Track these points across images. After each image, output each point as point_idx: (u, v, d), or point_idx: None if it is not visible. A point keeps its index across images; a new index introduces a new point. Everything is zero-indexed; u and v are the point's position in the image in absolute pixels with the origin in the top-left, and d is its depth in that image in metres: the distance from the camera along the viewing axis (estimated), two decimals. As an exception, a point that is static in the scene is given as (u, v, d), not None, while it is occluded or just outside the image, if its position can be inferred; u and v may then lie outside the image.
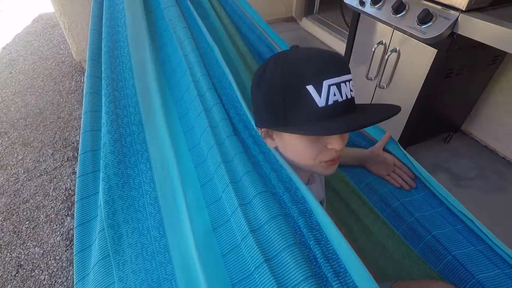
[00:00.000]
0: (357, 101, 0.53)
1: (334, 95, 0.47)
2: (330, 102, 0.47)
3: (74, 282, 0.55)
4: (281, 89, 0.50)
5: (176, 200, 0.55)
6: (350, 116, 0.49)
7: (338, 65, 0.49)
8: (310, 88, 0.47)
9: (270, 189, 0.51)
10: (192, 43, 0.75)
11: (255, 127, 0.60)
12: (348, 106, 0.50)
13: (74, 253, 0.56)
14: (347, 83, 0.49)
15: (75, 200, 0.61)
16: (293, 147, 0.55)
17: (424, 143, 1.72)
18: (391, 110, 0.50)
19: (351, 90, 0.50)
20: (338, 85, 0.48)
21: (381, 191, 0.75)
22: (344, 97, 0.49)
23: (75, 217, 0.60)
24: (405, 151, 0.72)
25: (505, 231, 1.35)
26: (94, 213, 0.59)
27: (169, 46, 0.80)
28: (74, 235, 0.58)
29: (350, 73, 0.51)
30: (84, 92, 0.71)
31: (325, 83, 0.47)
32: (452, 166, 1.65)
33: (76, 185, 0.62)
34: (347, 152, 0.83)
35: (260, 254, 0.42)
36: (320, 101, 0.47)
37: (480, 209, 1.44)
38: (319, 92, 0.47)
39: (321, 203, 0.70)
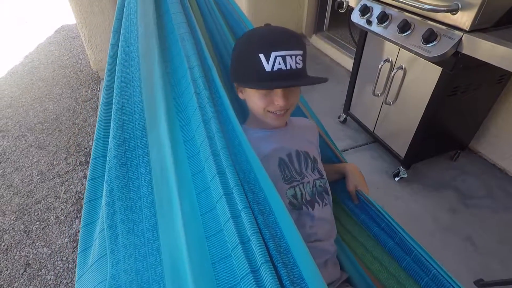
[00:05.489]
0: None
1: (279, 64, 0.64)
2: (275, 68, 0.64)
3: (75, 281, 0.57)
4: (242, 56, 0.70)
5: (172, 205, 0.57)
6: (289, 80, 0.66)
7: (288, 42, 0.65)
8: (262, 57, 0.64)
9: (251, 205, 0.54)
10: (197, 58, 0.79)
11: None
12: (292, 73, 0.65)
13: (78, 252, 0.59)
14: (294, 56, 0.64)
15: (84, 202, 0.64)
16: (251, 99, 0.73)
17: (431, 160, 1.72)
18: (320, 80, 0.67)
19: (297, 63, 0.65)
20: (283, 57, 0.64)
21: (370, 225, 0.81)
22: (288, 67, 0.64)
23: (81, 218, 0.63)
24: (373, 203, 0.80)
25: (512, 252, 1.32)
26: (98, 215, 0.62)
27: (177, 58, 0.84)
28: (80, 235, 0.61)
29: (301, 49, 0.66)
30: (100, 102, 0.76)
31: (273, 54, 0.63)
32: (460, 184, 1.64)
33: (85, 188, 0.65)
34: (330, 168, 0.90)
35: (247, 265, 0.45)
36: (268, 67, 0.64)
37: (488, 228, 1.42)
38: (267, 60, 0.64)
39: (289, 155, 0.75)
